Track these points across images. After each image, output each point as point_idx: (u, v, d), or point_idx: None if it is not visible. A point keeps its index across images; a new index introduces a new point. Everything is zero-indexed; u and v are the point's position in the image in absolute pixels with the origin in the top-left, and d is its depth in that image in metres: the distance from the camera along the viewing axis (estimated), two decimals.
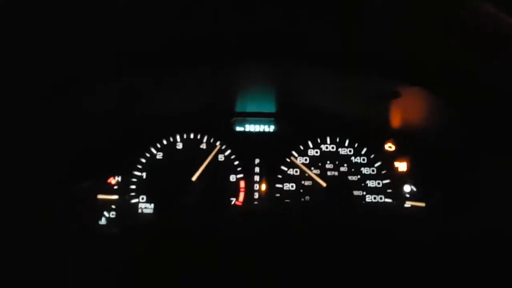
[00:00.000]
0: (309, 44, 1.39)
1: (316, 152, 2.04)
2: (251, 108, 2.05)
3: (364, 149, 2.03)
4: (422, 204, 1.93)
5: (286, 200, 1.98)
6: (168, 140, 2.05)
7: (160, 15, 1.21)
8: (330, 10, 1.17)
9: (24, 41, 1.16)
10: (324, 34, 1.31)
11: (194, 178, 1.97)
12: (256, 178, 2.01)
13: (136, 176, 2.01)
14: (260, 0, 1.16)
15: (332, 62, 1.46)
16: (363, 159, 2.02)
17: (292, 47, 1.41)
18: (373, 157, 2.02)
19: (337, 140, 2.05)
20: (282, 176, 2.01)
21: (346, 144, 2.04)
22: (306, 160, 2.03)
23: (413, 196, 1.95)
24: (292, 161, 2.03)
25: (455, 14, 0.98)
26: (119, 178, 2.00)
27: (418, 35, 1.21)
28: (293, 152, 2.04)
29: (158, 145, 2.04)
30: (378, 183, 1.98)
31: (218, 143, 2.05)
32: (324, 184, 1.97)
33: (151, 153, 2.03)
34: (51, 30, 1.16)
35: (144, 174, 2.01)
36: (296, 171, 2.02)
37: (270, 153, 2.04)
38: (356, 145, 2.04)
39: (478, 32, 1.05)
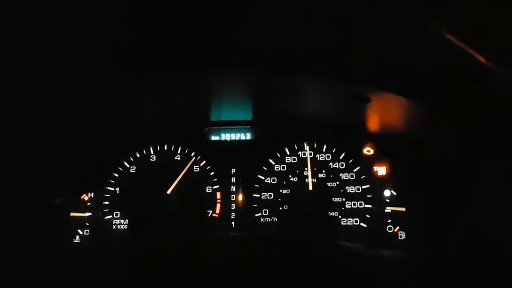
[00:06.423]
0: (286, 51, 1.34)
1: (294, 159, 1.99)
2: (227, 116, 2.00)
3: (342, 154, 1.98)
4: (403, 209, 1.88)
5: (264, 210, 1.93)
6: (141, 152, 2.00)
7: (138, 15, 1.16)
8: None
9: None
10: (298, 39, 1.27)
11: (169, 192, 1.92)
12: (233, 188, 1.96)
13: (109, 192, 1.95)
14: (237, 9, 1.13)
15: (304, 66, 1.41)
16: (342, 165, 1.97)
17: (269, 55, 1.36)
18: (352, 162, 1.96)
19: (315, 146, 1.99)
20: (259, 186, 1.96)
21: (324, 149, 1.99)
22: (283, 167, 1.98)
23: (393, 201, 1.90)
24: (269, 170, 1.98)
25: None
26: (92, 194, 1.95)
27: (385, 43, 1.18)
28: (270, 160, 1.99)
29: (131, 158, 1.99)
30: (358, 189, 1.93)
31: (193, 154, 2.00)
32: (311, 188, 1.91)
33: (124, 167, 1.98)
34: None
35: (117, 189, 1.96)
36: (274, 180, 1.96)
37: (246, 162, 1.99)
38: (334, 150, 1.98)
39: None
